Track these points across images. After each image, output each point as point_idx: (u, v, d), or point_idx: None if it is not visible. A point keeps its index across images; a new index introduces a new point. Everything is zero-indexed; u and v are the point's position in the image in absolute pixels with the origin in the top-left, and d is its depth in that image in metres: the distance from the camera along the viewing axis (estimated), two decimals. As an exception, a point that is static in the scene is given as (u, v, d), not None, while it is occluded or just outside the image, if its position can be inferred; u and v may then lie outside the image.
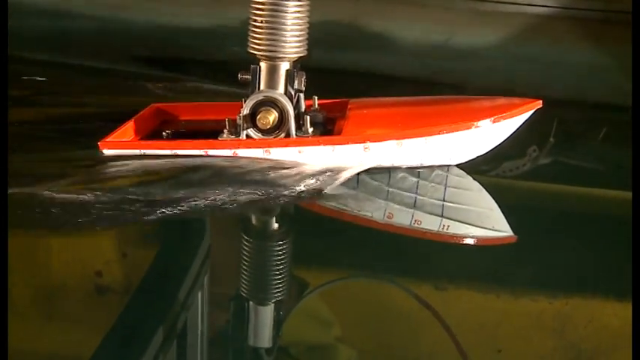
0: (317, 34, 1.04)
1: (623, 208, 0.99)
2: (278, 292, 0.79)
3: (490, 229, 0.94)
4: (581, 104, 1.49)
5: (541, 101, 1.02)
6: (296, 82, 1.02)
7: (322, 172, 0.98)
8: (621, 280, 0.77)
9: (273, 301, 0.77)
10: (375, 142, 0.99)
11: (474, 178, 1.05)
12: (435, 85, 1.45)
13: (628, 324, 0.70)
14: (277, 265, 0.84)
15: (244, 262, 0.84)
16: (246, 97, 1.02)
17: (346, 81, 1.50)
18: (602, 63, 1.55)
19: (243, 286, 0.80)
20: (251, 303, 0.76)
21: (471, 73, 1.56)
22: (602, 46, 1.56)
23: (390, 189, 1.00)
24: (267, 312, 0.75)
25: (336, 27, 1.58)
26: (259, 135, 1.02)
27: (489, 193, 1.03)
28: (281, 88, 1.02)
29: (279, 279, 0.81)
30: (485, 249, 0.91)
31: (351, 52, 1.59)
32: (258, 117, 1.01)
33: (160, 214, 0.87)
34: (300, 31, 1.01)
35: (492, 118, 1.00)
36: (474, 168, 1.06)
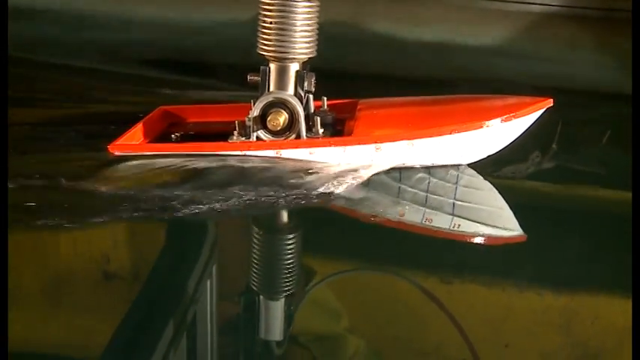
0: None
1: (630, 208, 0.99)
2: (288, 286, 0.79)
3: (500, 228, 0.94)
4: (584, 102, 1.49)
5: (552, 100, 1.02)
6: (305, 83, 1.01)
7: (334, 173, 0.98)
8: (628, 277, 0.77)
9: (283, 295, 0.77)
10: (386, 142, 0.99)
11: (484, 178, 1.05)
12: (438, 83, 1.45)
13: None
14: (288, 259, 0.84)
15: (255, 258, 0.84)
16: (256, 98, 1.02)
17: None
18: (604, 61, 1.55)
19: (254, 280, 0.80)
20: (262, 297, 0.76)
21: (473, 72, 1.55)
22: (604, 44, 1.56)
23: (402, 187, 1.00)
24: (278, 305, 0.75)
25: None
26: (269, 136, 1.02)
27: (499, 192, 1.02)
28: (291, 90, 1.02)
29: (289, 273, 0.81)
30: (493, 247, 0.91)
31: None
32: (268, 118, 1.01)
33: (171, 215, 0.87)
34: (310, 31, 1.01)
35: (503, 117, 1.00)
36: (479, 169, 1.06)
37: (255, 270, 0.81)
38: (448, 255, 0.89)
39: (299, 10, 0.99)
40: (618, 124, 1.38)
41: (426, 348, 0.73)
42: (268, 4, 0.99)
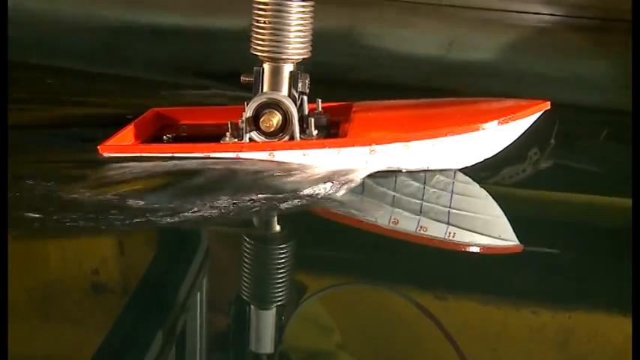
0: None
1: (630, 219, 0.97)
2: (279, 296, 0.77)
3: (496, 238, 0.92)
4: (581, 110, 1.48)
5: (549, 102, 1.01)
6: (300, 84, 1.00)
7: (328, 176, 0.96)
8: (627, 294, 0.75)
9: (274, 305, 0.75)
10: (381, 144, 0.98)
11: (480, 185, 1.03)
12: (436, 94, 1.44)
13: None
14: (279, 269, 0.82)
15: (246, 266, 0.82)
16: (249, 99, 1.00)
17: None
18: (601, 69, 1.54)
19: (245, 290, 0.78)
20: (252, 308, 0.74)
21: (473, 82, 1.54)
22: (601, 52, 1.55)
23: (396, 195, 0.98)
24: (269, 317, 0.73)
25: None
26: (262, 138, 1.00)
27: (495, 200, 1.01)
28: (284, 90, 1.00)
29: (280, 283, 0.79)
30: (488, 258, 0.89)
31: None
32: (261, 119, 0.99)
33: (161, 218, 0.85)
34: (304, 32, 0.99)
35: (499, 120, 0.99)
36: (474, 173, 1.04)
37: (244, 280, 0.79)
38: (443, 266, 0.87)
39: (293, 10, 0.97)
40: (613, 129, 1.37)
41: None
42: (262, 4, 0.97)
